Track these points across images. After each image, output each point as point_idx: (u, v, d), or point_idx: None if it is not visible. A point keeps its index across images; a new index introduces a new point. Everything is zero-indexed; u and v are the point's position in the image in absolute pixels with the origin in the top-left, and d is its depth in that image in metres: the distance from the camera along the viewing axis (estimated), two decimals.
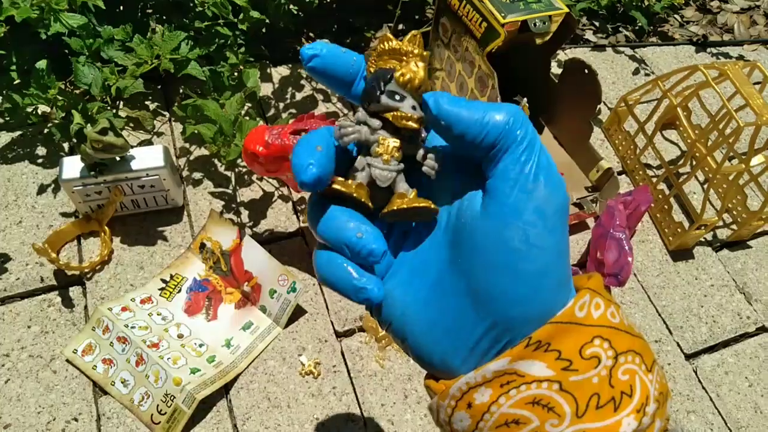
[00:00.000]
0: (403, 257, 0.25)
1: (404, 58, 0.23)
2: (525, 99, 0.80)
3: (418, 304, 0.24)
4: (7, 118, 0.84)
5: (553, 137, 0.93)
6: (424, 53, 0.24)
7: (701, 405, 0.74)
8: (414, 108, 0.23)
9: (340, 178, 0.23)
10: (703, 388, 0.76)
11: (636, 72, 1.13)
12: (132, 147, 0.71)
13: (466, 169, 0.24)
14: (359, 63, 0.25)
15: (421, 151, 0.24)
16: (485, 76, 0.81)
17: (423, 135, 0.24)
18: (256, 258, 0.72)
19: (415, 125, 0.23)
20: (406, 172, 0.24)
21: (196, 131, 0.70)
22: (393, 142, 0.23)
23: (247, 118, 0.74)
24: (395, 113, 0.23)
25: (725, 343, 0.80)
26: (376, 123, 0.23)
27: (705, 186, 0.91)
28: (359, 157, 0.24)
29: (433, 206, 0.23)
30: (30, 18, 0.75)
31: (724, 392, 0.76)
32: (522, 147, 0.22)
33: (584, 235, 0.86)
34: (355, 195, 0.23)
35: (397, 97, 0.23)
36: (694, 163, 0.92)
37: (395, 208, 0.23)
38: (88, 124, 0.66)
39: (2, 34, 0.74)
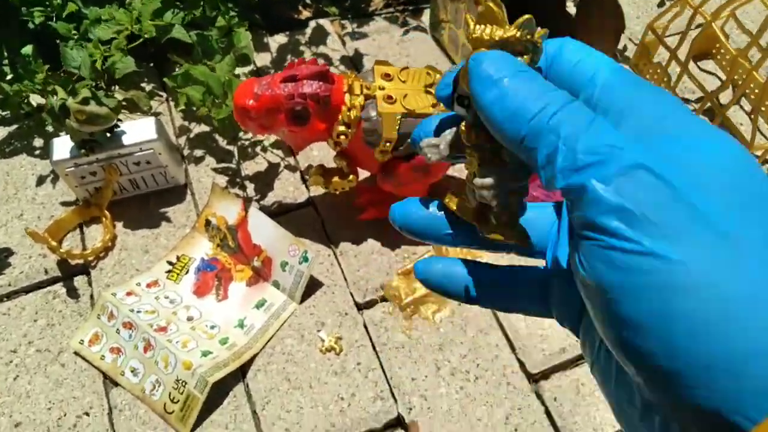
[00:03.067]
0: None
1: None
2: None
3: None
4: (2, 112, 0.81)
5: None
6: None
7: None
8: None
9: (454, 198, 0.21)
10: None
11: (661, 4, 1.03)
12: (120, 120, 0.67)
13: None
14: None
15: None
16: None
17: None
18: (263, 230, 0.67)
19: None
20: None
21: (185, 96, 0.64)
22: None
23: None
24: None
25: None
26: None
27: (751, 117, 0.81)
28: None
29: (522, 240, 0.20)
30: (14, 1, 0.72)
31: None
32: None
33: None
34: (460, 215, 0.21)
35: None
36: (736, 88, 0.83)
37: (486, 234, 0.20)
38: (70, 97, 0.61)
39: None
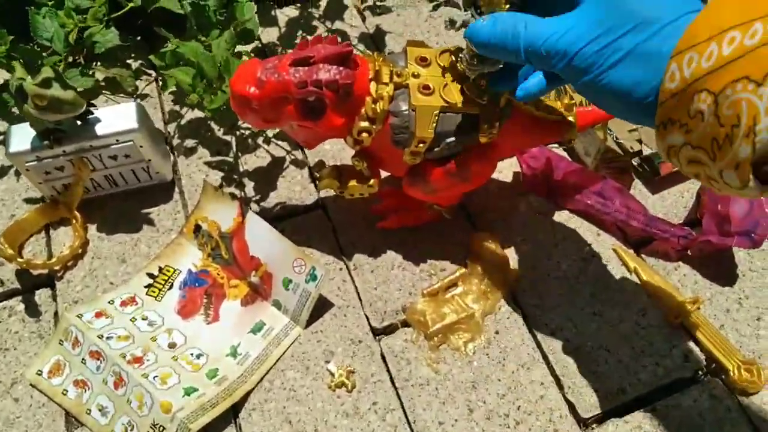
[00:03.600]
0: None
1: None
2: None
3: None
4: None
5: None
6: None
7: None
8: None
9: None
10: None
11: None
12: (93, 105, 0.55)
13: None
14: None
15: None
16: None
17: None
18: (263, 239, 0.56)
19: None
20: None
21: (171, 78, 0.53)
22: None
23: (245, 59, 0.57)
24: None
25: None
26: None
27: None
28: None
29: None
30: None
31: None
32: None
33: (690, 184, 0.66)
34: None
35: None
36: None
37: None
38: (29, 77, 0.50)
39: None
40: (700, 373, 0.54)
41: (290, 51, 0.48)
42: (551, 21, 0.34)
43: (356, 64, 0.47)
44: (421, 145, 0.48)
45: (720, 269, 0.60)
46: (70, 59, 0.66)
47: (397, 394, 0.53)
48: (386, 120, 0.48)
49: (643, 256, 0.61)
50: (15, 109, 0.67)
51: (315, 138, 0.52)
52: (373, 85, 0.47)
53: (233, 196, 0.58)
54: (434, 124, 0.47)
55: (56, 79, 0.49)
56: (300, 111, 0.47)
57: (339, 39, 0.48)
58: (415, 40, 0.52)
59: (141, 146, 0.57)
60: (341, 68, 0.46)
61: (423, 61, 0.49)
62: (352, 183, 0.53)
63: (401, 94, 0.48)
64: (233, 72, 0.53)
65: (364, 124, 0.48)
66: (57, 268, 0.59)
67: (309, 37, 0.48)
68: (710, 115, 0.26)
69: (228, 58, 0.52)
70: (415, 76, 0.48)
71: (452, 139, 0.49)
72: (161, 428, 0.48)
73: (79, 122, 0.56)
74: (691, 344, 0.55)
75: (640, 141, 0.64)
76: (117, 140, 0.56)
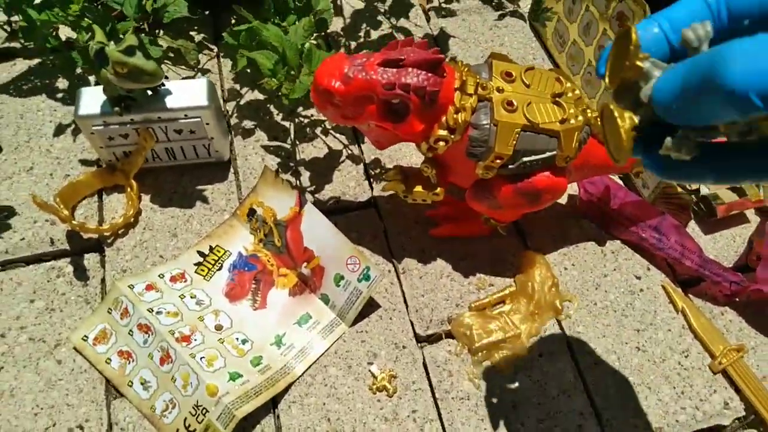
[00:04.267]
0: None
1: None
2: None
3: None
4: (24, 42, 0.68)
5: None
6: None
7: None
8: None
9: None
10: None
11: None
12: (167, 79, 0.55)
13: None
14: None
15: None
16: (628, 10, 0.60)
17: None
18: (319, 232, 0.55)
19: None
20: None
21: (250, 62, 0.52)
22: None
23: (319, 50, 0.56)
24: None
25: None
26: None
27: None
28: None
29: None
30: None
31: None
32: None
33: (742, 229, 0.65)
34: None
35: None
36: None
37: None
38: (111, 42, 0.49)
39: None
40: (738, 422, 0.54)
41: (378, 51, 0.48)
42: None
43: (445, 73, 0.46)
44: (498, 161, 0.48)
45: (766, 319, 0.60)
46: (136, 25, 0.66)
47: (437, 405, 0.53)
48: (465, 131, 0.47)
49: (690, 296, 0.61)
50: (79, 69, 0.67)
51: (389, 139, 0.51)
52: (457, 95, 0.47)
53: (292, 185, 0.57)
54: (514, 142, 0.47)
55: (139, 48, 0.49)
56: (382, 112, 0.46)
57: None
58: (498, 53, 0.51)
59: (207, 123, 0.57)
60: (430, 75, 0.45)
61: (508, 77, 0.48)
62: (418, 188, 0.53)
63: (484, 107, 0.47)
64: (314, 62, 0.52)
65: (443, 132, 0.47)
66: (108, 234, 0.58)
67: (400, 38, 0.47)
68: None
69: (311, 48, 0.51)
70: (500, 90, 0.48)
71: (530, 158, 0.48)
72: (204, 411, 0.48)
73: (149, 92, 0.55)
74: (732, 392, 0.55)
75: None
76: (186, 115, 0.56)
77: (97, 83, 0.69)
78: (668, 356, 0.57)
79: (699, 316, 0.58)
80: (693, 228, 0.65)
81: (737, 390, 0.55)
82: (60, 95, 0.68)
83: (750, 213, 0.67)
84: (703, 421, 0.54)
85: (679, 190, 0.63)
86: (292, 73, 0.52)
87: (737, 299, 0.60)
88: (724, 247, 0.64)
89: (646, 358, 0.56)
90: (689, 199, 0.64)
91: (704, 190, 0.64)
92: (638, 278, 0.61)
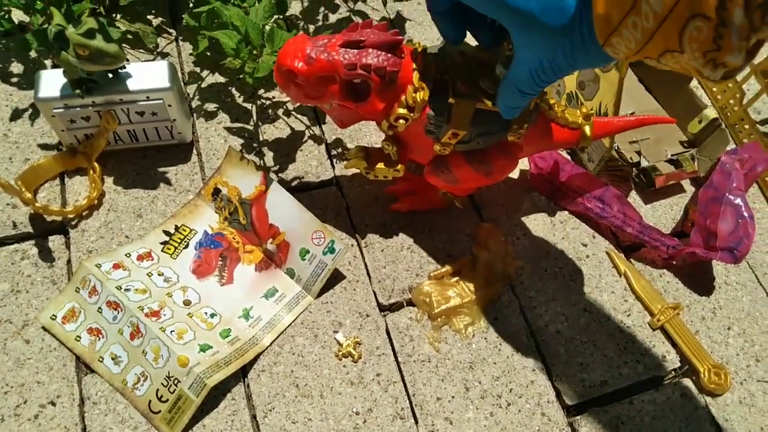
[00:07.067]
0: None
1: None
2: None
3: None
4: None
5: (638, 81, 0.77)
6: None
7: None
8: None
9: None
10: None
11: None
12: (128, 61, 0.55)
13: None
14: None
15: None
16: None
17: None
18: (284, 210, 0.57)
19: None
20: None
21: (211, 44, 0.53)
22: None
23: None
24: None
25: None
26: None
27: None
28: None
29: None
30: None
31: None
32: None
33: (679, 198, 0.71)
34: None
35: None
36: None
37: None
38: (71, 25, 0.50)
39: None
40: (674, 372, 0.59)
41: (339, 32, 0.50)
42: None
43: (403, 53, 0.49)
44: (454, 137, 0.51)
45: (699, 280, 0.65)
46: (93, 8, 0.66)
47: (399, 368, 0.56)
48: (424, 110, 0.50)
49: (631, 260, 0.66)
50: (33, 53, 0.66)
51: (350, 118, 0.54)
52: (416, 75, 0.49)
53: (258, 166, 0.59)
54: (469, 120, 0.50)
55: (99, 31, 0.49)
56: (344, 91, 0.49)
57: (386, 25, 0.49)
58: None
59: (170, 105, 0.58)
60: (390, 55, 0.47)
61: (462, 56, 0.51)
62: (380, 165, 0.55)
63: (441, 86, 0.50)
64: (277, 42, 0.54)
65: (403, 111, 0.50)
66: (72, 216, 0.59)
67: (359, 21, 0.49)
68: None
69: (273, 28, 0.53)
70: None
71: (484, 135, 0.51)
72: (176, 381, 0.50)
73: (110, 75, 0.56)
74: (669, 346, 0.60)
75: (639, 153, 0.69)
76: (147, 97, 0.56)
77: (54, 66, 0.69)
78: (612, 316, 0.61)
79: (639, 279, 0.63)
80: (634, 198, 0.70)
81: (674, 344, 0.60)
82: (15, 80, 0.68)
83: (686, 183, 0.72)
84: (643, 373, 0.58)
85: (621, 161, 0.68)
86: (255, 52, 0.54)
87: (674, 262, 0.65)
88: (662, 214, 0.69)
89: (592, 318, 0.61)
90: (630, 170, 0.68)
91: (644, 162, 0.69)
92: (584, 245, 0.65)
